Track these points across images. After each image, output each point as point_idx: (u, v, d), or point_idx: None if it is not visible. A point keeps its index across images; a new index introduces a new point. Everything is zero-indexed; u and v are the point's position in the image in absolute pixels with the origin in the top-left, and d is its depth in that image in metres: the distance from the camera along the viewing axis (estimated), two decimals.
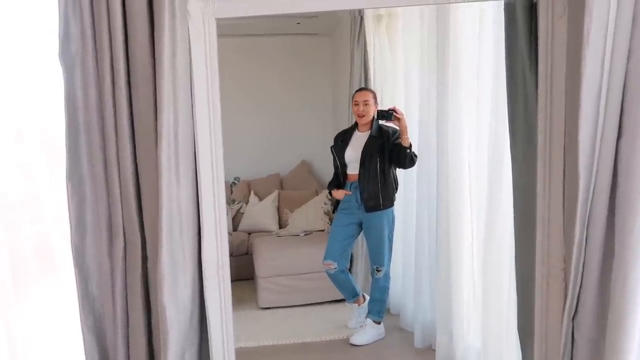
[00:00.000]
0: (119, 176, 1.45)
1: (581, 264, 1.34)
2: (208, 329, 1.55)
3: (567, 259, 1.38)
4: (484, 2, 2.02)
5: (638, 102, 1.20)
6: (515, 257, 1.73)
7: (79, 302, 1.51)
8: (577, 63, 1.23)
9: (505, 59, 1.64)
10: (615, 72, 1.24)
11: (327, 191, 4.34)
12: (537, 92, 1.46)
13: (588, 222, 1.32)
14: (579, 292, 1.37)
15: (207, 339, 1.56)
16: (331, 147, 3.05)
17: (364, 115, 2.89)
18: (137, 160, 1.46)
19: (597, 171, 1.29)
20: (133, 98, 1.42)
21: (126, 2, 1.36)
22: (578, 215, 1.30)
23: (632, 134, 1.22)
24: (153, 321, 1.53)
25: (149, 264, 1.50)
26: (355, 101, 2.92)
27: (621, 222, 1.25)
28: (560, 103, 1.39)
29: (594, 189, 1.30)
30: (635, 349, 1.26)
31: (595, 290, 1.34)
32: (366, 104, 2.89)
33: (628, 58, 1.22)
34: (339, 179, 3.03)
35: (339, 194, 3.00)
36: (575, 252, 1.33)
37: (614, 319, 1.26)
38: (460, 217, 2.39)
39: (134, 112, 1.43)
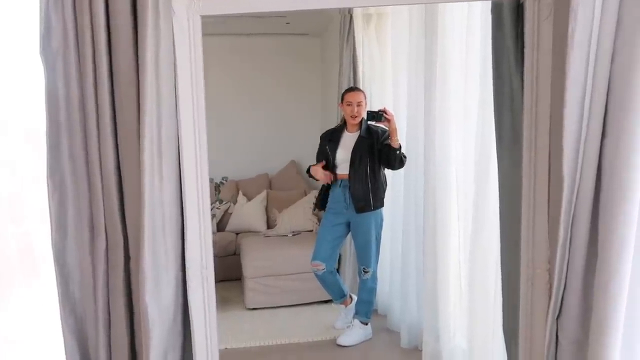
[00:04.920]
0: (101, 174, 1.43)
1: (565, 265, 1.35)
2: (191, 330, 1.53)
3: (551, 260, 1.39)
4: (472, 3, 2.03)
5: (622, 103, 1.21)
6: (501, 258, 1.73)
7: (59, 303, 1.48)
8: (562, 64, 1.24)
9: (492, 59, 1.64)
10: (600, 74, 1.24)
11: (315, 192, 4.35)
12: (523, 93, 1.46)
13: (572, 223, 1.32)
14: (563, 293, 1.37)
15: (191, 340, 1.54)
16: (325, 146, 3.00)
17: (357, 116, 2.89)
18: (120, 158, 1.44)
19: (581, 172, 1.29)
20: (115, 95, 1.40)
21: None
22: (562, 216, 1.30)
23: (615, 135, 1.23)
24: (135, 322, 1.50)
25: (131, 264, 1.48)
26: (349, 102, 2.89)
27: (604, 223, 1.25)
28: (546, 104, 1.39)
29: (578, 189, 1.30)
30: (618, 350, 1.26)
31: (579, 291, 1.35)
32: (359, 105, 2.88)
33: (612, 60, 1.23)
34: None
35: (317, 171, 2.95)
36: (559, 253, 1.33)
37: (597, 320, 1.26)
38: (447, 217, 2.39)
39: (117, 109, 1.41)
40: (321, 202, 3.06)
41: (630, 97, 1.18)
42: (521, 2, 1.45)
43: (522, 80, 1.46)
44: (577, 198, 1.31)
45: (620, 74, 1.21)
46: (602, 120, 1.26)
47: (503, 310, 1.73)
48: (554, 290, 1.37)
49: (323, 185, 3.05)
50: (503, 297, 1.72)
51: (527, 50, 1.42)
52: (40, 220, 1.69)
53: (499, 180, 1.71)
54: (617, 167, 1.22)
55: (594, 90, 1.25)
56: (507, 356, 1.71)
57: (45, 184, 1.44)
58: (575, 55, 1.21)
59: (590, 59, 1.23)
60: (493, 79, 1.65)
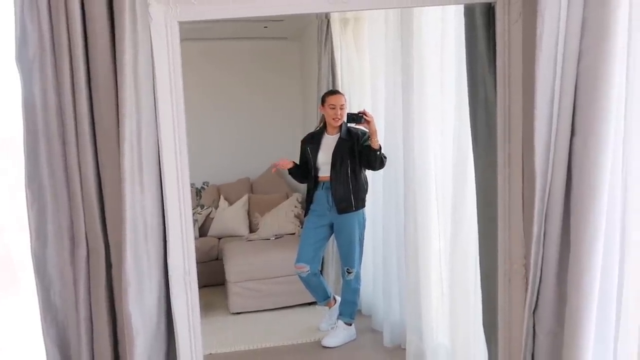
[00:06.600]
0: (81, 183, 1.42)
1: (540, 260, 1.39)
2: (175, 336, 1.53)
3: (527, 256, 1.43)
4: (445, 7, 2.07)
5: (589, 102, 1.25)
6: (479, 256, 1.77)
7: (40, 313, 1.47)
8: (532, 66, 1.28)
9: (466, 61, 1.68)
10: (567, 74, 1.28)
11: (297, 194, 4.36)
12: (496, 93, 1.50)
13: (545, 220, 1.37)
14: (539, 287, 1.41)
15: (175, 346, 1.54)
16: (307, 148, 3.03)
17: (340, 119, 2.91)
18: (100, 166, 1.43)
19: (552, 170, 1.33)
20: (94, 103, 1.39)
21: (85, 5, 1.33)
22: (536, 212, 1.34)
23: (584, 133, 1.27)
24: (118, 330, 1.50)
25: (113, 272, 1.47)
26: (332, 105, 2.91)
27: (576, 220, 1.29)
28: (518, 105, 1.44)
29: (550, 188, 1.34)
30: (592, 340, 1.31)
31: (554, 285, 1.39)
32: (342, 108, 2.91)
33: (579, 60, 1.27)
34: (306, 172, 3.03)
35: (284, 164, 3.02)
36: (534, 248, 1.37)
37: (571, 312, 1.30)
38: (427, 219, 2.42)
39: (95, 117, 1.40)
40: (307, 206, 3.08)
41: (596, 97, 1.23)
42: (492, 5, 1.49)
43: (495, 81, 1.50)
44: (549, 196, 1.35)
45: (587, 74, 1.25)
46: (571, 120, 1.30)
47: (483, 307, 1.76)
48: (530, 285, 1.41)
49: (308, 189, 3.07)
50: (482, 294, 1.76)
51: (498, 54, 1.46)
52: (18, 228, 1.67)
53: (476, 180, 1.75)
54: (586, 165, 1.27)
55: (562, 90, 1.29)
56: (488, 351, 1.74)
57: (23, 193, 1.43)
58: (544, 57, 1.26)
59: (558, 60, 1.27)
60: (467, 81, 1.68)
